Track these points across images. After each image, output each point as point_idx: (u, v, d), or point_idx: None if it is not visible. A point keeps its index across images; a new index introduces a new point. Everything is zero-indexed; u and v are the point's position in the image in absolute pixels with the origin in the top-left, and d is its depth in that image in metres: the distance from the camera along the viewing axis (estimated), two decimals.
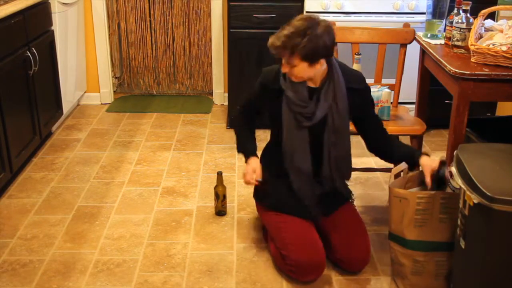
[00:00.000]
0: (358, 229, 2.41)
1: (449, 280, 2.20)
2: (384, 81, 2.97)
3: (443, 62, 2.39)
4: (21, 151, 3.15)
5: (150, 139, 3.76)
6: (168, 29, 4.47)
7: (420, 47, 2.89)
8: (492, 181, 1.84)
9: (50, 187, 3.11)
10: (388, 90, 2.77)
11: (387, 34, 2.91)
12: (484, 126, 2.65)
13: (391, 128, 2.67)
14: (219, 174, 2.80)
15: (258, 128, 2.62)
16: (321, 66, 2.18)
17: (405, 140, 2.79)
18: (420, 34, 2.88)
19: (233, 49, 3.77)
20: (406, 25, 2.94)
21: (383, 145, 2.44)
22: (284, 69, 2.19)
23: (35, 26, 3.36)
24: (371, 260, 2.46)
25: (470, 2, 2.50)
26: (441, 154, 3.48)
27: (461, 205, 1.97)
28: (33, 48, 3.28)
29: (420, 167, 2.28)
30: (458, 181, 1.95)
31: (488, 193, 1.78)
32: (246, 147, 2.53)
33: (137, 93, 4.67)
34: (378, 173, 3.22)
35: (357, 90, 2.31)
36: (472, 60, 2.37)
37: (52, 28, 3.65)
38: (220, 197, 2.81)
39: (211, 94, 4.55)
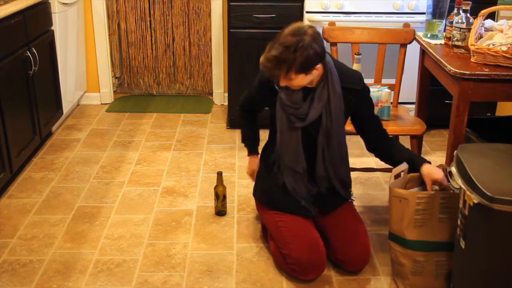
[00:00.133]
0: (358, 229, 2.41)
1: (449, 280, 2.20)
2: (384, 81, 2.97)
3: (443, 62, 2.39)
4: (21, 151, 3.15)
5: (150, 139, 3.76)
6: (168, 29, 4.47)
7: (420, 47, 2.89)
8: (492, 181, 1.84)
9: (50, 187, 3.11)
10: (388, 90, 2.77)
11: (387, 34, 2.91)
12: (484, 126, 2.65)
13: (391, 128, 2.67)
14: (219, 174, 2.80)
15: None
16: (318, 70, 2.17)
17: (405, 140, 2.79)
18: (420, 34, 2.88)
19: (233, 49, 3.77)
20: (406, 25, 2.94)
21: (382, 146, 2.44)
22: (283, 83, 2.18)
23: (35, 26, 3.36)
24: (371, 260, 2.46)
25: (470, 2, 2.50)
26: (441, 154, 3.48)
27: (461, 205, 1.97)
28: (33, 48, 3.28)
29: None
30: (458, 181, 1.95)
31: (488, 193, 1.78)
32: (247, 143, 2.64)
33: (137, 93, 4.67)
34: (378, 173, 3.22)
35: (353, 90, 2.30)
36: (472, 60, 2.37)
37: (52, 28, 3.65)
38: (220, 197, 2.82)
39: (211, 94, 4.55)
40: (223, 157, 3.50)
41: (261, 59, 2.13)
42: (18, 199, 2.98)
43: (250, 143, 2.64)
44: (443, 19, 2.81)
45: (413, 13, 3.63)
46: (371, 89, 2.64)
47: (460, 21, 2.51)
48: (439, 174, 2.21)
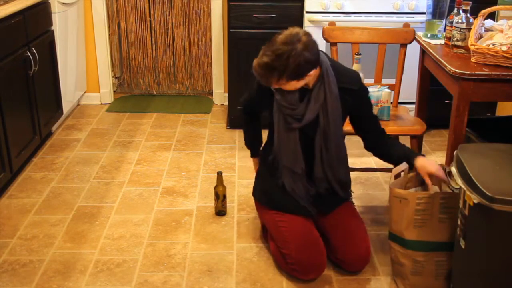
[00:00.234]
0: (358, 229, 2.41)
1: (449, 280, 2.20)
2: (384, 81, 2.97)
3: (443, 62, 2.39)
4: (21, 151, 3.15)
5: (150, 139, 3.76)
6: (168, 29, 4.47)
7: (420, 47, 2.89)
8: (492, 181, 1.84)
9: (50, 187, 3.11)
10: (388, 90, 2.77)
11: (387, 34, 2.91)
12: (484, 126, 2.65)
13: (391, 128, 2.67)
14: (219, 174, 2.80)
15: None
16: (311, 76, 2.16)
17: (405, 140, 2.79)
18: (420, 34, 2.88)
19: (233, 49, 3.77)
20: (406, 25, 2.94)
21: (381, 146, 2.43)
22: (275, 86, 2.19)
23: (35, 26, 3.36)
24: (371, 260, 2.46)
25: (470, 2, 2.50)
26: (441, 154, 3.48)
27: (461, 205, 1.97)
28: (33, 48, 3.28)
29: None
30: (458, 181, 1.95)
31: (488, 193, 1.78)
32: (250, 145, 2.64)
33: (137, 93, 4.67)
34: (378, 173, 3.22)
35: (349, 90, 2.29)
36: (472, 60, 2.37)
37: (52, 28, 3.65)
38: (220, 197, 2.82)
39: (211, 94, 4.55)
40: (223, 157, 3.50)
41: (254, 63, 2.13)
42: (18, 199, 2.98)
43: (253, 144, 2.63)
44: (443, 19, 2.81)
45: (413, 13, 3.63)
46: (371, 89, 2.64)
47: (460, 21, 2.51)
48: (433, 167, 2.20)
